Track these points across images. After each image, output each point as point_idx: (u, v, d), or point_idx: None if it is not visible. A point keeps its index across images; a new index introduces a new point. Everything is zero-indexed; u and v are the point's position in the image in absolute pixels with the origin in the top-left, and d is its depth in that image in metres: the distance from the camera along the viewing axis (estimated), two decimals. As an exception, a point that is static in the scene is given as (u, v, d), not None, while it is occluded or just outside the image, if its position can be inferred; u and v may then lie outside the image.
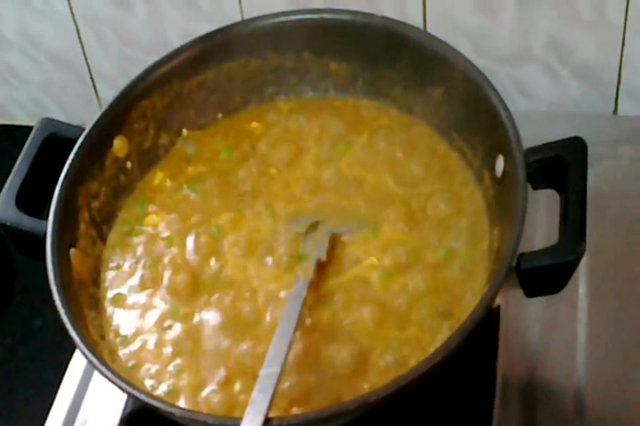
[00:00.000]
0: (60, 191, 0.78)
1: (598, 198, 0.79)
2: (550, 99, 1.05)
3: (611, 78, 1.02)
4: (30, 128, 0.83)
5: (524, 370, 0.82)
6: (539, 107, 1.06)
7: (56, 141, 0.82)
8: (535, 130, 0.81)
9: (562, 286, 0.72)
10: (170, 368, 0.75)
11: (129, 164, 0.85)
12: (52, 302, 0.73)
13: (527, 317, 0.84)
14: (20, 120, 1.22)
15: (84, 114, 1.16)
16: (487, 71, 0.80)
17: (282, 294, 0.77)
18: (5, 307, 1.04)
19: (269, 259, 0.79)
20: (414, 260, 0.78)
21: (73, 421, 0.84)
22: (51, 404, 0.86)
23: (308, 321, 0.75)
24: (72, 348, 0.77)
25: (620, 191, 0.93)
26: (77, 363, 0.87)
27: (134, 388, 0.69)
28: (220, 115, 0.90)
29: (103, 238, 0.83)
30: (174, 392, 0.73)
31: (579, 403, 0.79)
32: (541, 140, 0.76)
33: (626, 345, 0.83)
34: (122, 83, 0.85)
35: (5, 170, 0.81)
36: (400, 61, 0.85)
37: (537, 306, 0.84)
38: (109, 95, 1.15)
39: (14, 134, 1.17)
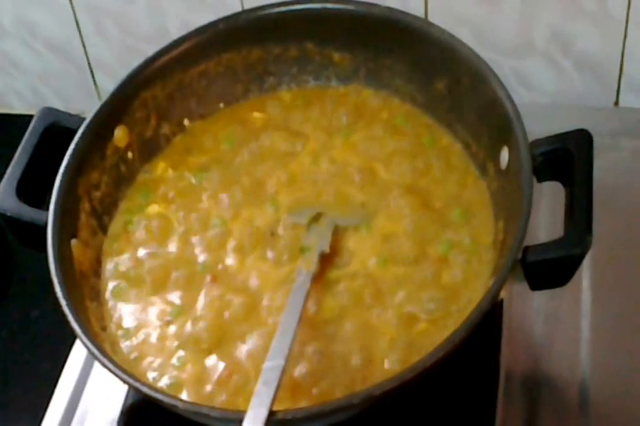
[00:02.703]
0: (61, 181, 0.78)
1: (600, 190, 0.78)
2: (552, 91, 1.05)
3: (613, 70, 1.02)
4: (28, 117, 0.83)
5: (528, 363, 0.81)
6: (540, 99, 1.05)
7: (56, 130, 0.81)
8: (536, 122, 0.81)
9: (568, 279, 0.72)
10: (174, 360, 0.74)
11: (130, 154, 0.85)
12: (50, 292, 0.73)
13: (530, 310, 0.84)
14: (19, 109, 1.21)
15: (83, 104, 1.16)
16: (489, 63, 0.80)
17: (285, 285, 0.76)
18: (2, 297, 1.03)
19: (272, 251, 0.79)
20: (418, 253, 0.77)
21: (73, 413, 0.83)
22: (50, 396, 0.85)
23: (311, 313, 0.74)
24: (70, 339, 0.76)
25: (622, 184, 0.93)
26: (77, 354, 0.87)
27: (137, 380, 0.69)
28: (221, 105, 0.89)
29: (104, 229, 0.82)
30: (176, 385, 0.73)
31: (583, 396, 0.79)
32: (543, 132, 0.76)
33: (630, 338, 0.82)
34: (121, 73, 0.84)
35: (3, 159, 0.81)
36: (403, 51, 0.84)
37: (541, 299, 0.83)
38: (107, 84, 1.15)
39: (12, 123, 1.17)
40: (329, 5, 0.85)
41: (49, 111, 0.82)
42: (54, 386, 0.86)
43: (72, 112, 0.84)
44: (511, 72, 1.04)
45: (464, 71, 0.80)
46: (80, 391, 0.85)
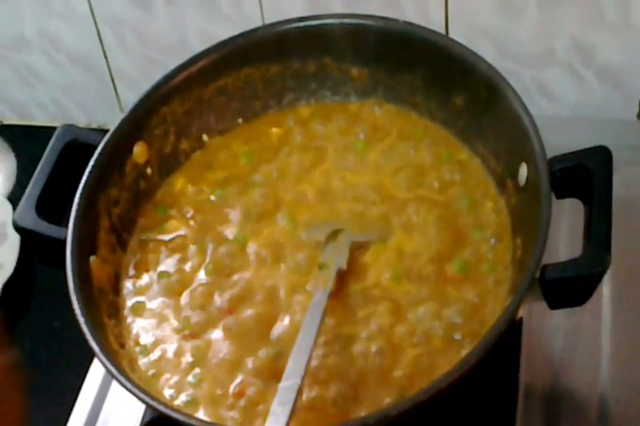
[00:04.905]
0: (80, 197, 0.78)
1: (621, 205, 0.77)
2: (573, 101, 1.04)
3: (635, 81, 1.01)
4: (50, 129, 0.83)
5: (547, 380, 0.81)
6: (561, 110, 1.05)
7: (76, 147, 0.82)
8: (557, 134, 0.80)
9: (587, 298, 0.71)
10: (190, 377, 0.75)
11: (149, 170, 0.85)
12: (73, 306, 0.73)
13: (550, 327, 0.83)
14: (41, 121, 1.21)
15: (105, 115, 1.16)
16: (510, 73, 0.79)
17: (302, 302, 0.76)
18: (25, 309, 1.04)
19: (290, 268, 0.79)
20: (435, 269, 0.77)
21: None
22: (71, 408, 0.86)
23: (328, 330, 0.74)
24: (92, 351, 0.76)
25: (643, 199, 0.92)
26: (97, 368, 0.87)
27: (153, 399, 0.69)
28: (240, 120, 0.89)
29: (123, 245, 0.82)
30: (193, 402, 0.73)
31: (603, 414, 0.78)
32: (563, 145, 0.75)
33: (650, 355, 0.82)
34: (142, 84, 0.85)
35: (25, 170, 0.81)
36: (422, 67, 0.84)
37: (560, 316, 0.82)
38: (129, 96, 1.15)
39: (35, 135, 1.17)
40: (348, 21, 0.85)
41: (68, 128, 0.82)
42: (75, 397, 0.86)
43: (95, 123, 0.84)
44: (532, 82, 1.03)
45: (483, 86, 0.80)
46: (101, 404, 0.85)
